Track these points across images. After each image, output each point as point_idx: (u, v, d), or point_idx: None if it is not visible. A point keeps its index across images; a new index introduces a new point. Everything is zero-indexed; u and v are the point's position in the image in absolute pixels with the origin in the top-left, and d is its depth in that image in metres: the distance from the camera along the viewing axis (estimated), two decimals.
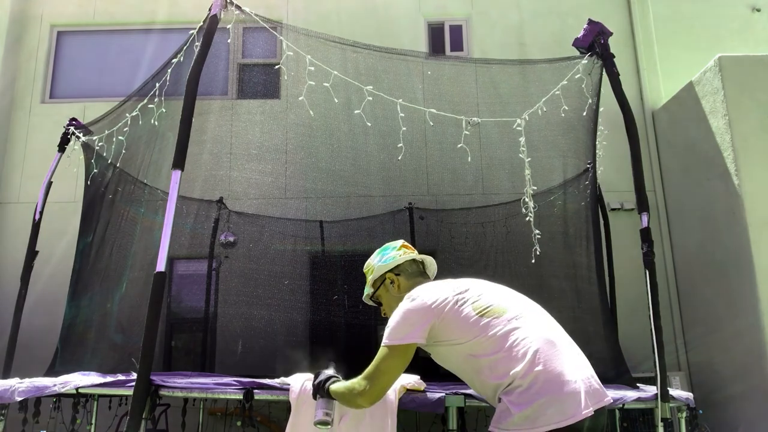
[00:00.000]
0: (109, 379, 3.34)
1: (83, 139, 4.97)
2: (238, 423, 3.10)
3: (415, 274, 2.33)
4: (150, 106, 4.11)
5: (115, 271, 4.68)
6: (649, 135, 6.74)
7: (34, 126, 6.87)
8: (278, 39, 4.60)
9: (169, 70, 3.89)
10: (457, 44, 7.23)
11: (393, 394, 2.92)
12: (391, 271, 2.32)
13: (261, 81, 6.97)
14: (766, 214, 5.19)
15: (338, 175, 5.65)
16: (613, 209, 6.24)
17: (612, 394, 1.94)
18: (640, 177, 3.68)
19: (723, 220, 5.52)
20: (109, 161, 4.75)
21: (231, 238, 6.01)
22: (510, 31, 7.15)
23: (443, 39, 7.25)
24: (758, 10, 7.20)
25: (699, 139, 5.86)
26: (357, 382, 2.00)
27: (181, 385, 3.17)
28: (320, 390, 2.17)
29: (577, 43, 4.05)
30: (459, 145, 4.00)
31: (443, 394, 3.07)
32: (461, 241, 5.73)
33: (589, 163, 4.65)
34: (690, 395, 3.89)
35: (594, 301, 4.51)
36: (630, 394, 3.41)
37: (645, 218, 3.59)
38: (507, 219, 5.45)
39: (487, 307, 1.95)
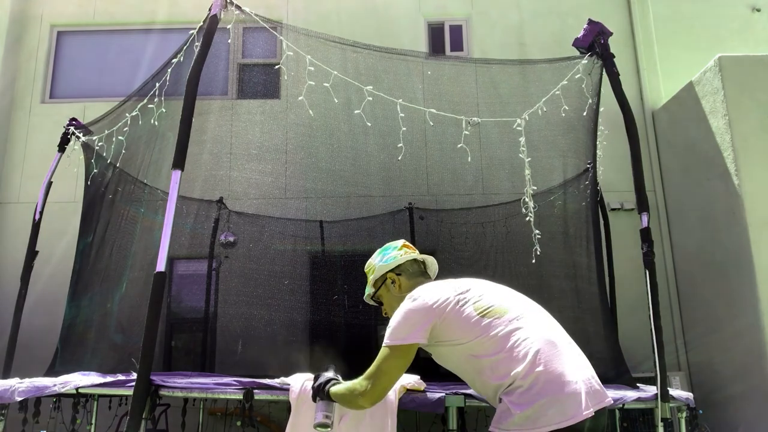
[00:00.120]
0: (109, 379, 3.34)
1: (83, 139, 4.97)
2: (238, 423, 3.10)
3: (417, 274, 2.33)
4: (150, 106, 4.11)
5: (115, 271, 4.68)
6: (649, 135, 6.74)
7: (34, 126, 6.87)
8: (278, 39, 4.60)
9: (169, 70, 3.89)
10: (457, 44, 7.23)
11: (393, 394, 2.92)
12: (392, 270, 2.32)
13: (261, 81, 6.97)
14: (766, 214, 5.19)
15: (338, 175, 5.65)
16: (613, 209, 6.24)
17: (612, 394, 1.94)
18: (640, 177, 3.69)
19: (723, 220, 5.52)
20: (109, 161, 4.75)
21: (231, 238, 6.01)
22: (510, 31, 7.15)
23: (443, 39, 7.25)
24: (758, 10, 7.20)
25: (699, 139, 5.86)
26: (358, 382, 2.00)
27: (181, 385, 3.17)
28: (320, 392, 2.16)
29: (577, 43, 4.05)
30: (459, 145, 4.00)
31: (443, 394, 3.07)
32: (461, 241, 5.73)
33: (589, 163, 4.65)
34: (690, 395, 3.89)
35: (594, 301, 4.51)
36: (630, 394, 3.41)
37: (645, 218, 3.59)
38: (507, 219, 5.45)
39: (489, 308, 1.95)
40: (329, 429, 2.18)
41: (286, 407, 3.09)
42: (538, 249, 4.20)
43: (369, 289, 2.41)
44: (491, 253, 5.58)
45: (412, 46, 6.69)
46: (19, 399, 3.28)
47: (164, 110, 4.00)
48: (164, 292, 3.09)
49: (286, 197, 6.43)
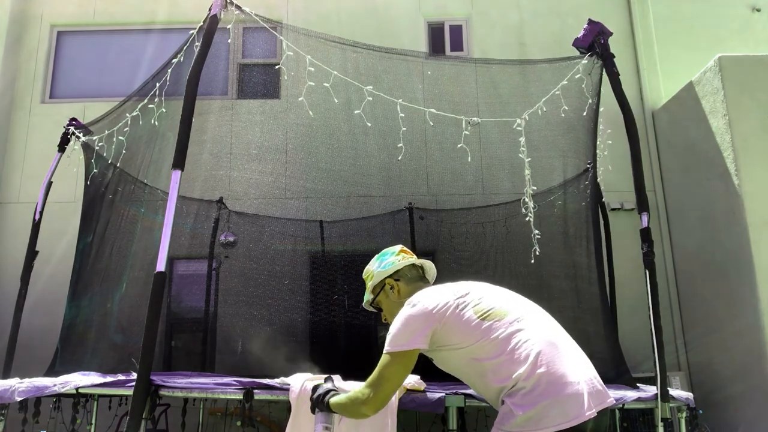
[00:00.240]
0: (109, 379, 3.35)
1: (83, 139, 4.97)
2: (238, 423, 3.10)
3: (415, 278, 2.32)
4: (150, 106, 4.11)
5: (115, 271, 4.68)
6: (649, 135, 6.74)
7: (34, 126, 6.87)
8: (278, 39, 4.60)
9: (169, 70, 3.90)
10: (457, 44, 7.23)
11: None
12: (390, 276, 2.31)
13: (261, 81, 6.97)
14: (766, 214, 5.19)
15: (338, 175, 5.65)
16: (613, 209, 6.24)
17: (612, 394, 1.94)
18: (640, 177, 3.69)
19: (723, 220, 5.52)
20: (109, 161, 4.75)
21: (231, 238, 6.01)
22: (510, 31, 7.15)
23: (443, 39, 7.25)
24: (758, 10, 7.20)
25: (699, 139, 5.86)
26: (359, 391, 1.99)
27: (181, 385, 3.17)
28: (319, 404, 2.14)
29: (577, 43, 4.05)
30: (459, 145, 4.00)
31: (443, 394, 3.08)
32: (461, 241, 5.72)
33: (589, 163, 4.65)
34: (690, 395, 3.89)
35: (594, 301, 4.51)
36: (630, 394, 3.42)
37: (645, 218, 3.59)
38: (507, 219, 5.45)
39: (489, 310, 1.95)
40: None
41: (286, 407, 3.09)
42: (538, 249, 4.20)
43: (368, 296, 2.39)
44: (491, 253, 5.58)
45: (412, 46, 6.69)
46: (19, 399, 3.28)
47: (164, 110, 4.00)
48: (164, 292, 3.09)
49: (286, 197, 6.43)
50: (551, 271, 4.87)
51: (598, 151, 4.50)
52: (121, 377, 3.35)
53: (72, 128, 5.04)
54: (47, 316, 5.36)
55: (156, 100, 4.05)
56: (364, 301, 2.41)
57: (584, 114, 4.13)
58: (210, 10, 3.52)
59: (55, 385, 3.28)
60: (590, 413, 1.76)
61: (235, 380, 3.23)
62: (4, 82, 6.86)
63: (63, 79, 7.23)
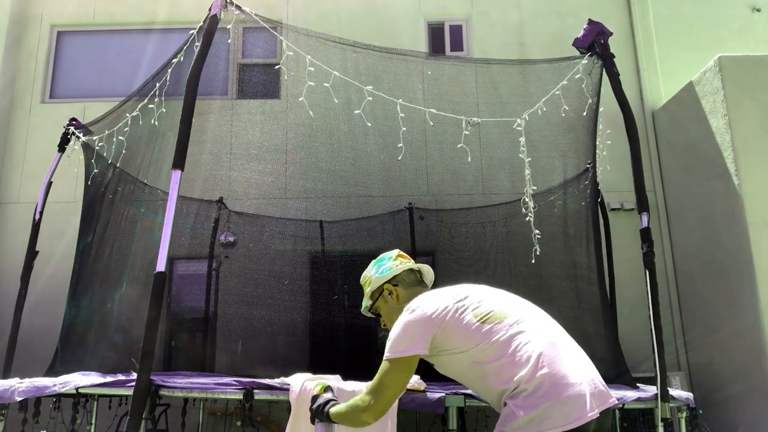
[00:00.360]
0: (109, 379, 3.35)
1: (83, 139, 4.97)
2: (238, 423, 3.10)
3: (413, 283, 2.30)
4: (150, 106, 4.11)
5: (115, 271, 4.69)
6: (649, 135, 6.74)
7: (34, 126, 6.87)
8: (278, 39, 4.61)
9: (169, 70, 3.90)
10: (457, 44, 7.24)
11: None
12: (388, 282, 2.29)
13: (261, 81, 6.97)
14: (766, 214, 5.19)
15: (338, 175, 5.65)
16: (613, 209, 6.25)
17: (613, 394, 1.94)
18: (640, 177, 3.69)
19: (723, 220, 5.52)
20: (110, 161, 4.75)
21: (231, 238, 6.01)
22: (510, 31, 7.15)
23: (443, 39, 7.25)
24: (758, 10, 7.20)
25: (699, 139, 5.86)
26: (360, 398, 1.97)
27: (181, 385, 3.17)
28: (319, 414, 2.13)
29: (577, 43, 4.05)
30: (459, 145, 4.00)
31: (443, 394, 3.08)
32: (461, 241, 5.72)
33: (589, 163, 4.65)
34: (690, 395, 3.89)
35: (594, 301, 4.51)
36: (630, 394, 3.42)
37: (645, 218, 3.59)
38: (507, 219, 5.45)
39: (488, 313, 1.94)
40: None
41: (286, 407, 3.10)
42: (538, 249, 4.20)
43: (366, 302, 2.37)
44: (491, 253, 5.58)
45: (412, 46, 6.69)
46: (19, 399, 3.28)
47: (164, 110, 4.00)
48: (164, 292, 3.09)
49: (286, 197, 6.44)
50: (551, 271, 4.87)
51: (597, 151, 4.50)
52: (121, 377, 3.35)
53: (72, 128, 5.04)
54: (47, 316, 5.37)
55: (156, 100, 4.05)
56: (363, 307, 2.40)
57: (584, 114, 4.13)
58: (210, 10, 3.52)
59: (55, 385, 3.28)
60: (592, 414, 1.76)
61: (235, 380, 3.23)
62: (4, 82, 6.86)
63: (63, 79, 7.23)
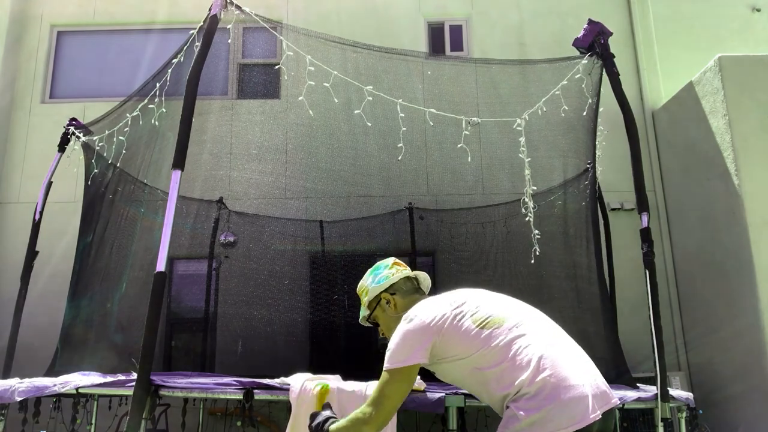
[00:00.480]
0: (109, 379, 3.35)
1: (83, 139, 4.97)
2: (238, 423, 3.10)
3: (411, 291, 2.28)
4: (150, 106, 4.11)
5: (115, 271, 4.69)
6: (649, 135, 6.74)
7: (34, 126, 6.87)
8: (278, 39, 4.61)
9: (170, 70, 3.90)
10: (457, 44, 7.23)
11: None
12: (386, 291, 2.27)
13: (261, 81, 6.97)
14: (766, 214, 5.19)
15: (338, 175, 5.65)
16: (613, 209, 6.24)
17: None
18: (640, 177, 3.69)
19: (723, 220, 5.52)
20: (110, 161, 4.75)
21: (231, 238, 6.01)
22: (510, 31, 7.15)
23: (443, 39, 7.25)
24: (758, 10, 7.20)
25: (699, 139, 5.86)
26: (361, 410, 1.95)
27: (181, 385, 3.17)
28: (319, 431, 2.13)
29: (577, 43, 4.05)
30: (459, 145, 4.00)
31: (443, 394, 3.08)
32: (461, 241, 5.72)
33: (589, 163, 4.65)
34: (690, 395, 3.89)
35: (594, 301, 4.51)
36: (630, 394, 3.42)
37: (645, 218, 3.59)
38: (507, 219, 5.45)
39: (487, 318, 1.93)
40: None
41: (286, 407, 3.10)
42: (538, 249, 4.20)
43: (364, 311, 2.35)
44: (491, 253, 5.58)
45: (412, 46, 6.69)
46: (19, 399, 3.28)
47: (164, 110, 4.00)
48: (164, 292, 3.09)
49: (286, 197, 6.43)
50: (551, 271, 4.87)
51: (597, 151, 4.50)
52: (121, 377, 3.35)
53: (72, 128, 5.04)
54: (47, 316, 5.36)
55: (156, 100, 4.05)
56: (361, 317, 2.37)
57: (584, 114, 4.13)
58: (210, 10, 3.52)
59: (55, 385, 3.28)
60: (595, 416, 1.75)
61: (235, 380, 3.23)
62: (4, 82, 6.86)
63: (63, 79, 7.23)
